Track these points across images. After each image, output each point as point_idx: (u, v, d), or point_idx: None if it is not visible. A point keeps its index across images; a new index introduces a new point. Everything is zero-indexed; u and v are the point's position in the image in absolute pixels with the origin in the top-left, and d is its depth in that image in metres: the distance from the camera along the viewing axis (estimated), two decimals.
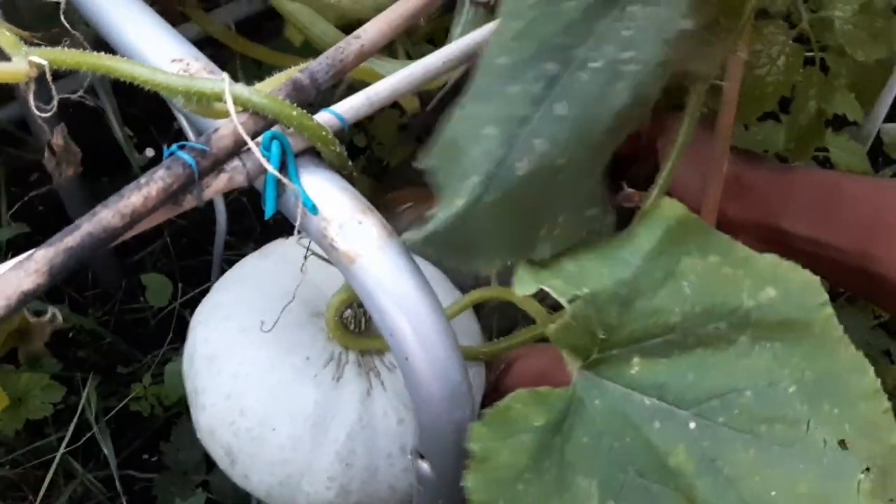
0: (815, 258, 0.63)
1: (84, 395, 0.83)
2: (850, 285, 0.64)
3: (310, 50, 0.77)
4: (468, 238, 0.39)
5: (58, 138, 0.61)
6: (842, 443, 0.33)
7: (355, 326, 0.63)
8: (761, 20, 0.61)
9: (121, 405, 0.91)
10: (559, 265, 0.42)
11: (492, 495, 0.38)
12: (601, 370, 0.40)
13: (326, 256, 0.57)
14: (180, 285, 1.03)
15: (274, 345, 0.61)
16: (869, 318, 0.99)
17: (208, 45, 0.72)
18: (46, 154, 0.63)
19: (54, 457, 0.87)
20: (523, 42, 0.37)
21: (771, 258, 0.38)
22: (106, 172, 1.05)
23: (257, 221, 1.11)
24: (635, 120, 0.42)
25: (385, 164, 1.07)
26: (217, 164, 0.43)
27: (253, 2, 1.13)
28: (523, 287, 0.42)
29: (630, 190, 0.72)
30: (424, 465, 0.50)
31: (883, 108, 1.05)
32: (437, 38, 0.90)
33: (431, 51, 0.91)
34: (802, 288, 0.36)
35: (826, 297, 0.36)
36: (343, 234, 0.44)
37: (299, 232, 0.47)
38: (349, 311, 0.62)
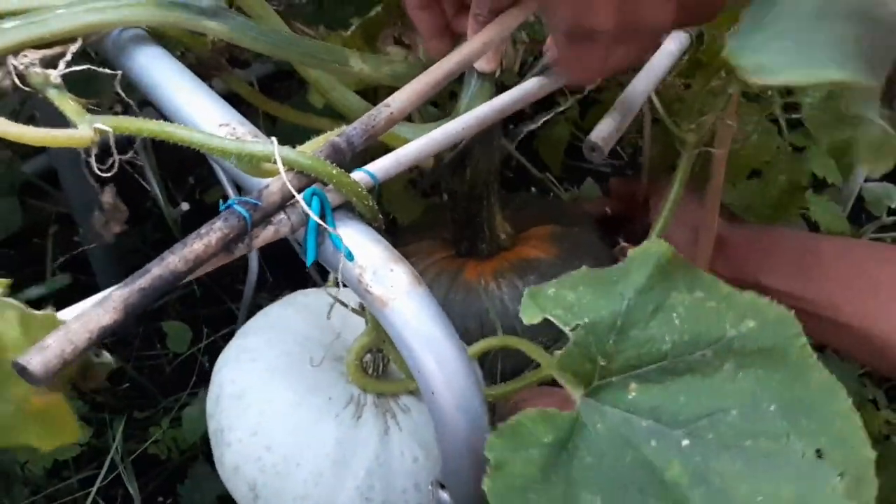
0: (790, 310, 0.69)
1: (118, 437, 0.86)
2: (823, 336, 0.70)
3: (328, 111, 0.83)
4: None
5: (108, 196, 0.65)
6: (818, 452, 0.37)
7: (373, 370, 0.66)
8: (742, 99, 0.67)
9: (143, 447, 0.94)
10: (561, 296, 0.46)
11: (507, 500, 0.42)
12: (601, 396, 0.44)
13: (348, 304, 0.62)
14: (205, 331, 1.08)
15: (299, 385, 0.64)
16: (856, 368, 1.03)
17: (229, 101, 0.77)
18: (96, 212, 0.66)
19: (77, 497, 0.90)
20: None
21: (750, 294, 0.42)
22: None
23: (269, 273, 1.16)
24: None
25: (392, 217, 1.12)
26: (266, 217, 0.48)
27: (265, 64, 1.20)
28: (529, 316, 0.46)
29: (625, 244, 0.78)
30: (444, 495, 0.54)
31: (863, 169, 1.11)
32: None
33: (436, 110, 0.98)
34: (779, 320, 0.40)
35: (799, 327, 0.40)
36: (377, 280, 0.48)
37: (336, 280, 0.51)
38: (368, 355, 0.65)
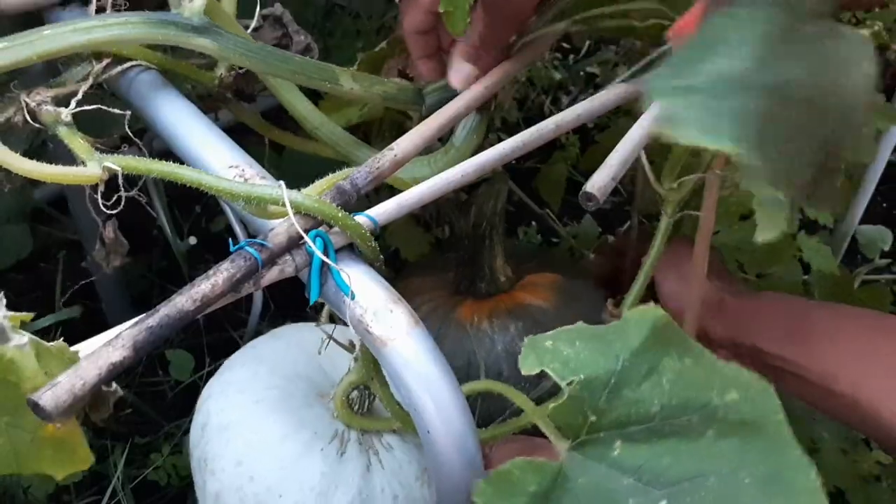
0: (783, 373, 0.71)
1: (120, 464, 0.88)
2: (815, 401, 0.72)
3: None
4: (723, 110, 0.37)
5: (109, 231, 0.66)
6: None
7: (359, 407, 0.67)
8: None
9: (144, 474, 0.96)
10: (559, 350, 0.47)
11: None
12: (587, 450, 0.45)
13: (340, 342, 0.64)
14: (207, 359, 1.09)
15: (285, 418, 0.65)
16: None
17: (237, 131, 0.79)
18: (97, 245, 0.67)
19: None
20: None
21: (735, 366, 0.43)
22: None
23: (272, 302, 1.17)
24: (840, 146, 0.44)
25: (391, 249, 1.14)
26: (272, 258, 0.50)
27: (271, 97, 1.22)
28: (528, 367, 0.47)
29: (612, 309, 0.79)
30: None
31: (858, 212, 1.13)
32: None
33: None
34: (760, 394, 0.42)
35: (779, 403, 0.41)
36: (377, 320, 0.50)
37: (329, 316, 0.53)
38: (355, 392, 0.66)
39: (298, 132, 0.90)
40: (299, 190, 0.52)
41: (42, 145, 0.85)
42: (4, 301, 0.41)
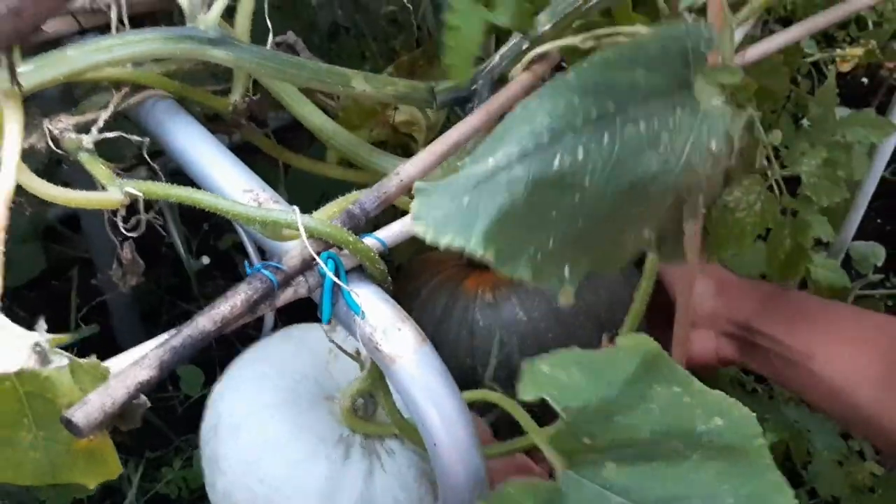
0: (771, 354, 0.76)
1: (136, 479, 0.90)
2: (795, 383, 0.76)
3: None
4: (475, 207, 0.40)
5: (127, 252, 0.68)
6: None
7: (364, 413, 0.70)
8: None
9: (156, 488, 0.98)
10: (555, 376, 0.49)
11: None
12: (581, 471, 0.48)
13: (346, 350, 0.66)
14: (217, 374, 1.11)
15: (293, 421, 0.68)
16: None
17: (244, 150, 0.81)
18: (114, 265, 0.69)
19: None
20: (595, 75, 0.44)
21: (719, 394, 0.46)
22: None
23: (279, 318, 1.20)
24: (651, 211, 0.47)
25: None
26: (287, 280, 0.52)
27: (279, 117, 1.25)
28: (527, 393, 0.49)
29: (607, 341, 0.81)
30: None
31: (851, 229, 1.16)
32: None
33: None
34: (742, 420, 0.45)
35: (759, 429, 0.45)
36: (386, 338, 0.53)
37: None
38: (361, 399, 0.69)
39: (306, 152, 0.94)
40: (311, 214, 0.55)
41: (57, 164, 0.88)
42: (45, 326, 0.44)
